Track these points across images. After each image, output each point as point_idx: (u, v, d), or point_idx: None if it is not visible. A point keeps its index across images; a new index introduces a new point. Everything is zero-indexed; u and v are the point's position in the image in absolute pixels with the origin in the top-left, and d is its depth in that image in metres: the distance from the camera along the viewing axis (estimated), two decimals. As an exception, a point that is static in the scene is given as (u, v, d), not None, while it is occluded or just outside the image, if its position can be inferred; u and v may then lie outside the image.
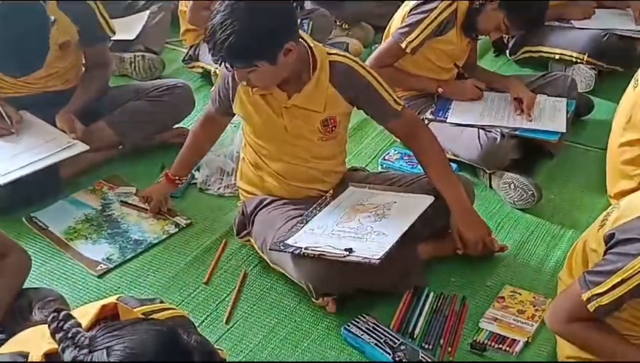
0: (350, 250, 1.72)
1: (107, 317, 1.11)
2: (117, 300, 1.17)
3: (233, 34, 1.65)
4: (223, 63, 1.74)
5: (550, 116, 2.41)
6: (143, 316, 1.16)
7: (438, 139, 2.02)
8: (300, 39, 1.81)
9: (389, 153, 2.51)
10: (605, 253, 1.47)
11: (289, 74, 1.83)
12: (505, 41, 3.05)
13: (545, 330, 1.75)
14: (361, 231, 1.81)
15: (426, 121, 2.43)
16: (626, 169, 2.02)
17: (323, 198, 1.97)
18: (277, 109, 1.89)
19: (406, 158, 2.43)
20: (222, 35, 1.67)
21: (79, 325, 1.05)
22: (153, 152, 2.53)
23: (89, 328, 1.06)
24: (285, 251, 1.78)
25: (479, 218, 1.98)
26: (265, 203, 1.99)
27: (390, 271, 1.81)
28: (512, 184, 2.27)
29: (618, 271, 1.40)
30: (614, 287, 1.41)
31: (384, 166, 2.46)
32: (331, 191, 1.99)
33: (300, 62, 1.82)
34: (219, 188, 2.35)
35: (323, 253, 1.73)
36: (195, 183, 2.38)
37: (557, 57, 2.99)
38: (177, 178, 2.21)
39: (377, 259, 1.67)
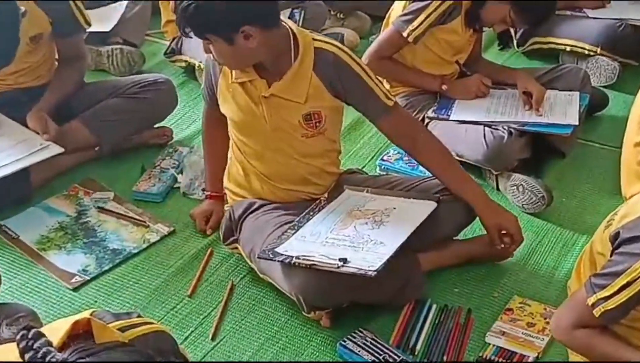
0: (344, 260, 1.71)
1: (80, 334, 1.11)
2: (90, 315, 1.17)
3: (195, 2, 1.74)
4: (182, 29, 1.82)
5: (562, 110, 2.42)
6: (120, 334, 1.16)
7: (440, 139, 2.02)
8: (282, 24, 1.84)
9: (387, 154, 2.51)
10: (611, 254, 1.47)
11: (266, 60, 1.86)
12: (512, 33, 3.06)
13: (557, 345, 1.75)
14: (357, 240, 1.81)
15: (427, 120, 2.44)
16: (642, 170, 2.03)
17: (316, 202, 1.97)
18: (256, 99, 1.89)
19: (406, 158, 2.43)
20: (186, 1, 1.75)
21: (50, 344, 1.04)
22: (132, 154, 2.53)
23: (61, 347, 1.05)
24: (275, 260, 1.78)
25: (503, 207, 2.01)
26: (254, 207, 1.99)
27: (388, 283, 1.81)
28: (521, 187, 2.27)
29: (623, 272, 1.40)
30: (619, 290, 1.40)
31: (383, 167, 2.47)
32: (325, 195, 1.99)
33: (280, 48, 1.83)
34: (202, 192, 2.35)
35: (315, 263, 1.72)
36: (179, 188, 2.38)
37: (568, 49, 3.01)
38: (217, 193, 2.19)
39: (374, 271, 1.66)
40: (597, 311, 1.43)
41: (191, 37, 1.85)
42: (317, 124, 1.93)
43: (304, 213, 1.93)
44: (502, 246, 1.97)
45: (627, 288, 1.39)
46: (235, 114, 1.93)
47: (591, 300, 1.44)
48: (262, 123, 1.91)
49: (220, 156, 2.15)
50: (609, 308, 1.42)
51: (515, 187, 2.29)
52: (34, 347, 1.05)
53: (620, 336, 1.51)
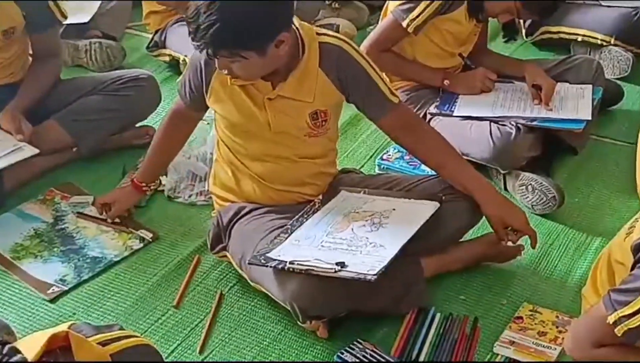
0: (342, 264, 1.72)
1: (58, 349, 1.11)
2: (69, 328, 1.17)
3: (220, 19, 1.65)
4: (205, 51, 1.74)
5: (573, 104, 2.44)
6: (100, 348, 1.16)
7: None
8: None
9: (387, 152, 2.52)
10: (633, 267, 1.48)
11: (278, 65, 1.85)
12: (521, 24, 3.07)
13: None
14: (355, 243, 1.82)
15: (429, 117, 2.45)
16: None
17: (311, 204, 1.98)
18: (260, 102, 1.89)
19: (407, 157, 2.45)
20: (207, 19, 1.66)
21: (26, 360, 1.04)
22: (113, 155, 2.54)
23: (37, 363, 1.05)
24: (267, 266, 1.78)
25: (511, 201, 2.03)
26: (243, 212, 1.99)
27: (388, 289, 1.82)
28: (530, 186, 2.28)
29: None
30: None
31: (382, 167, 2.48)
32: (320, 197, 2.00)
33: (289, 49, 1.82)
34: (190, 196, 2.36)
35: (311, 268, 1.73)
36: (163, 190, 2.39)
37: (580, 39, 3.02)
38: (144, 184, 2.22)
39: (374, 275, 1.67)
40: (619, 330, 1.44)
41: (212, 59, 1.78)
42: (323, 123, 1.95)
43: (298, 216, 1.93)
44: (510, 243, 1.98)
45: None
46: (232, 115, 1.93)
47: (612, 318, 1.45)
48: (264, 127, 1.91)
49: (169, 154, 2.21)
50: (633, 326, 1.43)
51: (524, 187, 2.30)
52: (9, 363, 1.06)
53: None
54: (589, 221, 2.27)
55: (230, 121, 1.96)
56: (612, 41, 2.93)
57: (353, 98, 1.96)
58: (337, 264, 1.73)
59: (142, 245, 2.18)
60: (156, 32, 3.04)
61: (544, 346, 1.82)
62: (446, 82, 2.49)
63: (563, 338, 1.82)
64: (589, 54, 2.94)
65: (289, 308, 1.83)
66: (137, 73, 2.59)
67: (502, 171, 2.36)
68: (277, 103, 1.89)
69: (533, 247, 2.01)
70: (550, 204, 2.25)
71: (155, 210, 2.32)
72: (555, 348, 1.81)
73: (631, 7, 2.98)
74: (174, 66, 3.02)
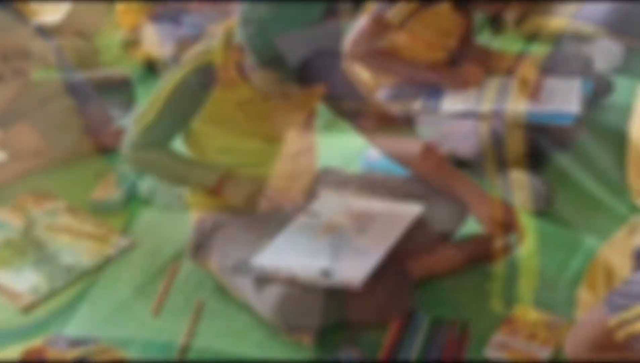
0: (327, 272, 1.73)
1: (33, 364, 1.11)
2: (44, 342, 1.17)
3: None
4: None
5: (562, 98, 2.45)
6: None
7: (428, 133, 2.05)
8: None
9: (371, 150, 2.52)
10: (634, 269, 1.48)
11: None
12: (507, 15, 3.09)
13: (562, 355, 1.76)
14: (338, 248, 1.83)
15: (415, 113, 2.46)
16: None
17: (291, 208, 1.99)
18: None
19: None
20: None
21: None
22: (87, 159, 2.54)
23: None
24: (248, 274, 1.78)
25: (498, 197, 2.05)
26: (224, 218, 2.00)
27: (374, 296, 1.83)
28: (520, 184, 2.30)
29: None
30: None
31: (367, 166, 2.49)
32: (300, 200, 2.01)
33: None
34: (168, 200, 2.36)
35: (293, 275, 1.73)
36: (140, 195, 2.39)
37: (569, 31, 3.04)
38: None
39: (359, 282, 1.69)
40: (621, 334, 1.44)
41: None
42: (313, 118, 2.02)
43: (279, 221, 1.94)
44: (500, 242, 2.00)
45: None
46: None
47: (613, 322, 1.46)
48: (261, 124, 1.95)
49: None
50: (634, 331, 1.44)
51: (513, 184, 2.31)
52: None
53: None
54: (580, 219, 2.28)
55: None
56: (603, 32, 2.95)
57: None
58: (322, 271, 1.74)
59: (118, 252, 2.18)
60: (131, 29, 3.04)
61: (535, 348, 1.83)
62: (437, 76, 2.51)
63: (556, 340, 1.83)
64: (579, 47, 2.96)
65: (272, 320, 1.84)
66: (111, 73, 2.60)
67: (491, 169, 2.38)
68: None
69: (519, 243, 2.04)
70: (540, 202, 2.27)
71: (132, 215, 2.33)
72: (548, 350, 1.83)
73: (622, -1, 3.00)
74: (149, 64, 3.02)
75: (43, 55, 3.17)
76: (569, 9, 3.05)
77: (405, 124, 2.35)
